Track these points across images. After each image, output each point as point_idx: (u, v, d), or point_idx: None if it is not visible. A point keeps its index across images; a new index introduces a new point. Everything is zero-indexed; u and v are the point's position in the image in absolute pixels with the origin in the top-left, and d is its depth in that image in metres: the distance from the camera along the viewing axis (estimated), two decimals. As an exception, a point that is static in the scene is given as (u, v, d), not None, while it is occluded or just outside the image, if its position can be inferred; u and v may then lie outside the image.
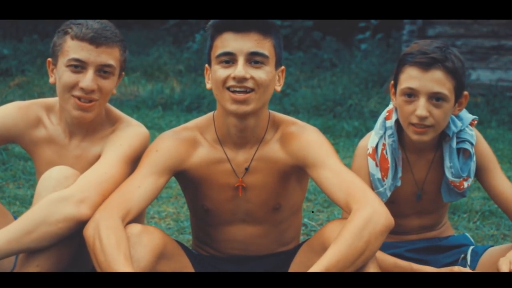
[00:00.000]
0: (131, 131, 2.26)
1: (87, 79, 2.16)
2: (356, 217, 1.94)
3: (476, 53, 7.30)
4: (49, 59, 2.27)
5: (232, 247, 2.31)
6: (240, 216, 2.26)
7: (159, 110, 7.38)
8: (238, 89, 2.05)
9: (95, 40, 2.16)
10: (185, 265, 2.20)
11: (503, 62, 7.19)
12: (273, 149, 2.20)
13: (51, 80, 2.26)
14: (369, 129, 6.33)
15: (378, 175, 2.34)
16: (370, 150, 2.36)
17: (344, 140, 5.86)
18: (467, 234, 2.64)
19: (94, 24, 2.19)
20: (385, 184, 2.34)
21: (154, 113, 7.23)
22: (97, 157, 2.23)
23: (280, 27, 11.32)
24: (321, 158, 2.11)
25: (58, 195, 2.01)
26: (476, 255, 2.43)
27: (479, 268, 2.39)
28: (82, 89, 2.17)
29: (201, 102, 7.53)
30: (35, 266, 2.03)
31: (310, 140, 2.14)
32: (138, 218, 2.39)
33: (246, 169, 2.21)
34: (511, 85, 7.15)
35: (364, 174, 2.35)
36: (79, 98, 2.19)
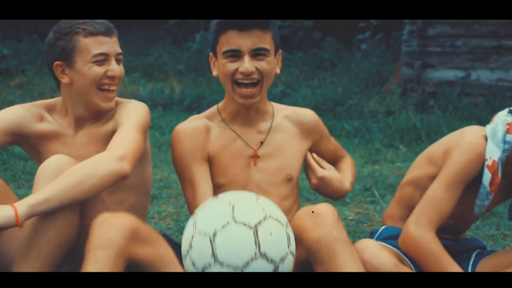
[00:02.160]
0: (135, 104, 2.43)
1: (115, 67, 2.35)
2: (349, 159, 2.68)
3: (476, 53, 7.29)
4: (58, 62, 2.35)
5: None
6: (250, 189, 2.35)
7: (159, 110, 7.38)
8: (245, 82, 2.31)
9: (108, 32, 2.34)
10: (165, 252, 2.20)
11: (503, 62, 7.18)
12: (285, 124, 2.48)
13: (65, 80, 2.36)
14: (369, 129, 6.33)
15: (488, 189, 2.28)
16: (489, 162, 2.26)
17: (344, 140, 5.86)
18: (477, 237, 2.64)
19: (97, 20, 2.35)
20: (489, 199, 2.30)
21: (154, 113, 7.23)
22: (109, 134, 2.36)
23: (280, 27, 11.28)
24: (326, 134, 2.61)
25: (103, 155, 2.16)
26: (481, 256, 2.44)
27: (479, 269, 2.39)
28: (112, 77, 2.35)
29: (201, 102, 7.53)
30: (36, 250, 2.08)
31: (317, 120, 2.61)
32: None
33: (262, 142, 2.42)
34: (511, 85, 7.15)
35: (469, 173, 2.28)
36: (105, 90, 2.35)
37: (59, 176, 2.09)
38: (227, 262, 1.78)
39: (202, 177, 2.36)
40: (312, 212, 2.07)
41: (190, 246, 1.84)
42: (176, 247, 2.27)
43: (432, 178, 2.37)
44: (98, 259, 1.97)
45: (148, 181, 2.54)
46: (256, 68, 2.29)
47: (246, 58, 2.28)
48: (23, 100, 7.14)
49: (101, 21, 2.35)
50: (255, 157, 2.40)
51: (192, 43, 10.26)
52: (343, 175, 2.52)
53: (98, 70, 2.33)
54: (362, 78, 8.14)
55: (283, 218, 1.92)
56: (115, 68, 2.35)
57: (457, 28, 7.37)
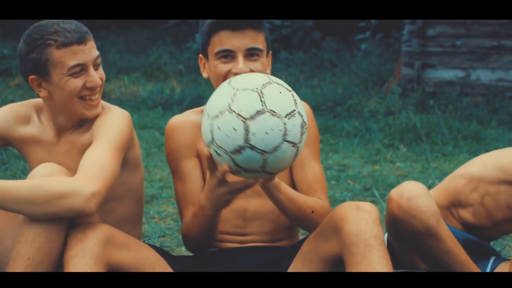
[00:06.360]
0: (114, 116, 2.27)
1: (93, 77, 2.19)
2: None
3: (476, 53, 7.29)
4: (33, 76, 2.21)
5: (230, 228, 2.32)
6: None
7: (159, 110, 7.39)
8: None
9: (82, 39, 2.16)
10: (148, 257, 2.20)
11: (503, 62, 7.18)
12: None
13: (43, 94, 2.23)
14: (369, 129, 6.34)
15: None
16: None
17: (344, 140, 5.86)
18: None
19: (69, 25, 2.18)
20: None
21: (154, 113, 7.24)
22: (89, 145, 2.21)
23: (280, 27, 11.23)
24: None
25: (76, 185, 2.00)
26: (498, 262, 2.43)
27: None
28: (90, 88, 2.19)
29: (201, 102, 7.54)
30: (26, 259, 2.03)
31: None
32: (134, 229, 2.41)
33: None
34: (511, 85, 7.15)
35: None
36: (87, 99, 2.22)
37: (27, 181, 1.99)
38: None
39: (192, 172, 2.32)
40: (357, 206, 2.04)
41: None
42: (164, 253, 2.26)
43: (496, 182, 2.37)
44: (76, 267, 1.97)
45: (138, 188, 2.43)
46: (250, 70, 2.20)
47: (240, 58, 2.20)
48: (22, 100, 7.11)
49: (72, 27, 2.17)
50: None
51: (192, 43, 10.26)
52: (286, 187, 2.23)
53: (76, 82, 2.18)
54: (362, 78, 8.15)
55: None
56: (94, 78, 2.20)
57: (457, 28, 7.37)
